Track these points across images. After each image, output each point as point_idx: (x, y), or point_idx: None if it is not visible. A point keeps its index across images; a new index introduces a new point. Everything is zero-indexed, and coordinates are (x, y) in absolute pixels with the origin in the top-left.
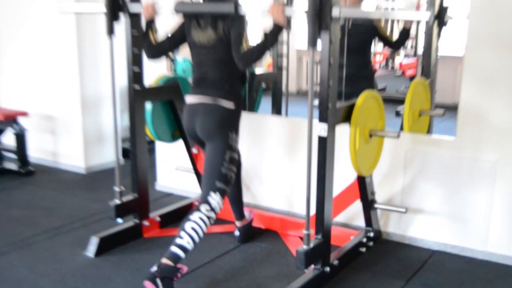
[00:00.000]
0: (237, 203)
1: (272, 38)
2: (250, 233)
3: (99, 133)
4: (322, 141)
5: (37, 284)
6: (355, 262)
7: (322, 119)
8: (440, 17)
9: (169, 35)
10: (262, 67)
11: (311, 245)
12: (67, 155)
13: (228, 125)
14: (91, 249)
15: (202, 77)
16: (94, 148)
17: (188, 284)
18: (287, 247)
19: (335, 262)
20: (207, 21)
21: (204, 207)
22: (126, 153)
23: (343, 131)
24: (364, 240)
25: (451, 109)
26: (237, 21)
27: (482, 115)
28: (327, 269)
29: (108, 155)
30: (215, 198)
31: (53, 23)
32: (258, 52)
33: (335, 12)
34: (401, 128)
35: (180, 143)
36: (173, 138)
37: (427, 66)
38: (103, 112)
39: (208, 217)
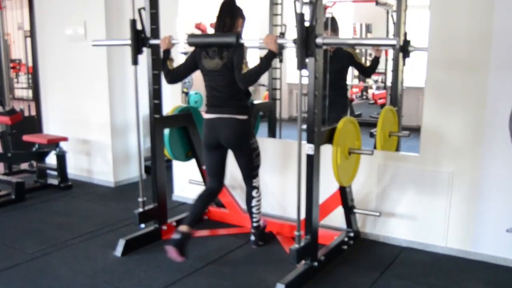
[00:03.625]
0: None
1: (266, 62)
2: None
3: (125, 153)
4: (310, 158)
5: (74, 279)
6: (339, 258)
7: (309, 140)
8: (405, 48)
9: (184, 63)
10: (260, 99)
11: (302, 244)
12: (99, 172)
13: (247, 135)
14: (118, 250)
15: (214, 96)
16: (121, 166)
17: (200, 277)
18: (282, 246)
19: (322, 258)
20: (214, 50)
21: (254, 192)
22: (148, 169)
23: (327, 150)
24: (346, 239)
25: (415, 130)
26: (238, 49)
27: (441, 136)
28: (315, 264)
29: (133, 171)
30: (256, 181)
31: (89, 66)
32: (255, 74)
33: (319, 40)
34: (375, 147)
35: (192, 161)
36: (187, 158)
37: (394, 96)
38: (129, 136)
39: (259, 194)
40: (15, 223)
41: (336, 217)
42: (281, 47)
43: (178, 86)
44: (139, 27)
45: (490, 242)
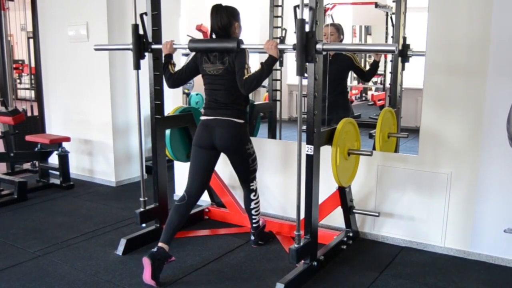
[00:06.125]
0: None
1: (267, 67)
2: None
3: (127, 153)
4: (309, 159)
5: (75, 277)
6: (338, 257)
7: (309, 141)
8: (404, 53)
9: (185, 67)
10: (260, 100)
11: (301, 243)
12: (101, 172)
13: (243, 139)
14: (120, 249)
15: (214, 100)
16: (123, 166)
17: (200, 276)
18: (281, 246)
19: (321, 258)
20: (215, 55)
21: (251, 195)
22: (149, 169)
23: (326, 151)
24: (345, 239)
25: (414, 131)
26: (239, 54)
27: (439, 137)
28: (315, 263)
29: (134, 171)
30: (254, 184)
31: (91, 66)
32: (256, 79)
33: (319, 46)
34: (374, 148)
35: None
36: (187, 158)
37: (393, 97)
38: (131, 136)
39: (257, 197)
40: (18, 222)
41: (336, 217)
42: (281, 51)
43: (179, 87)
44: (141, 31)
45: (488, 242)
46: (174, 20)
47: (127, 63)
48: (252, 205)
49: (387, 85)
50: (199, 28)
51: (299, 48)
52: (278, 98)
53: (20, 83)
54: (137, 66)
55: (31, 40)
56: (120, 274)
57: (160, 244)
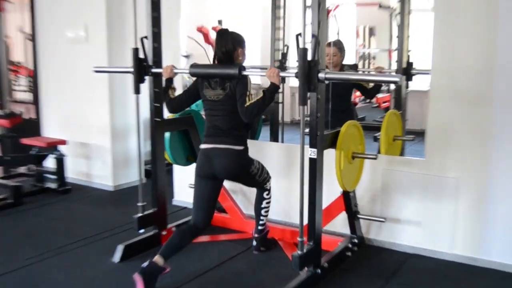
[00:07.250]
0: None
1: (269, 95)
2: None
3: (125, 157)
4: (313, 163)
5: (71, 285)
6: (342, 264)
7: (312, 144)
8: (407, 71)
9: (185, 91)
10: None
11: (304, 250)
12: (99, 176)
13: (244, 165)
14: (117, 255)
15: (214, 126)
16: (121, 170)
17: (201, 284)
18: (284, 252)
19: (325, 265)
20: (216, 81)
21: (265, 193)
22: (148, 173)
23: (330, 154)
24: (350, 245)
25: (420, 134)
26: (241, 81)
27: (447, 139)
28: (318, 270)
29: (132, 175)
30: (268, 185)
31: (90, 68)
32: (258, 107)
33: (321, 75)
34: (379, 151)
35: (193, 165)
36: (187, 162)
37: (398, 99)
38: (129, 140)
39: (269, 196)
40: (12, 228)
41: (340, 223)
42: (283, 79)
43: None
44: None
45: (499, 248)
46: (175, 22)
47: (126, 65)
48: (264, 204)
49: (392, 86)
50: (199, 30)
51: (301, 77)
52: (280, 100)
53: (17, 85)
54: (137, 91)
55: (29, 42)
56: (117, 282)
57: (155, 257)
